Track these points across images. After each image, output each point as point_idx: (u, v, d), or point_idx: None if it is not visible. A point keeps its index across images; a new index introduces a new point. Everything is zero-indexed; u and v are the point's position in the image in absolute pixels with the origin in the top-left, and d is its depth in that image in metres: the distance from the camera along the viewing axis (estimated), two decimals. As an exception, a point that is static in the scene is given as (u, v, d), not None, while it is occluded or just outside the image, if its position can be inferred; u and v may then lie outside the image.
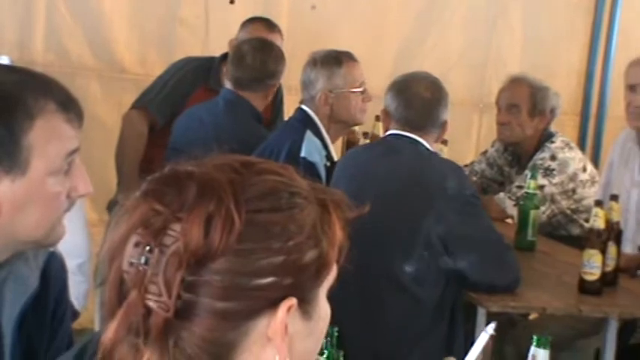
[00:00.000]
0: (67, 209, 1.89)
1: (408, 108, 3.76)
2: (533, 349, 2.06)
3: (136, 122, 4.92)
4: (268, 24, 5.09)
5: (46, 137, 1.81)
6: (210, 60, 5.03)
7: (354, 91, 4.29)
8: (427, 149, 3.73)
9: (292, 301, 1.23)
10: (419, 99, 3.77)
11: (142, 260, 1.19)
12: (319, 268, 1.26)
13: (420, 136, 3.72)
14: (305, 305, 1.25)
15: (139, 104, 4.96)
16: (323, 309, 1.29)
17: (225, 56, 4.93)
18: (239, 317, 1.21)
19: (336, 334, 1.97)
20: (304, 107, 4.32)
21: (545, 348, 2.06)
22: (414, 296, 3.54)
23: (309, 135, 4.18)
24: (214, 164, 1.25)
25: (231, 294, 1.20)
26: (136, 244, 1.20)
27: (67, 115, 1.83)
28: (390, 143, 3.80)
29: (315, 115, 4.27)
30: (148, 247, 1.19)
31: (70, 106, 1.85)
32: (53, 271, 2.02)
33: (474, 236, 3.59)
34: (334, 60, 4.31)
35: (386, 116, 3.86)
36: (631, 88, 4.53)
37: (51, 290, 2.00)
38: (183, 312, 1.19)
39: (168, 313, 1.18)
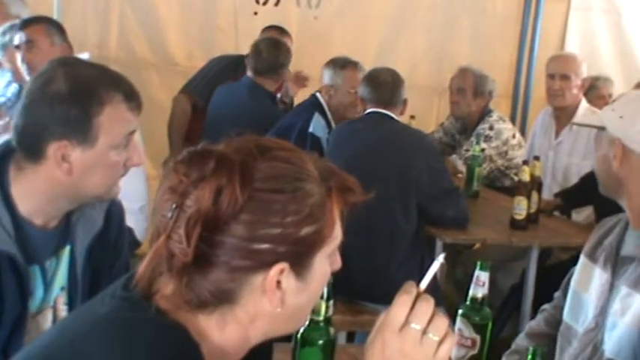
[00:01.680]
0: (123, 174, 1.89)
1: (377, 89, 3.73)
2: (477, 271, 2.02)
3: (182, 103, 4.89)
4: (281, 30, 5.07)
5: (112, 120, 1.80)
6: (238, 57, 4.98)
7: (350, 91, 4.23)
8: (398, 121, 3.70)
9: (284, 265, 1.18)
10: (384, 82, 3.74)
11: (169, 215, 1.16)
12: (314, 242, 1.21)
13: (389, 110, 3.69)
14: (299, 268, 1.20)
15: (185, 90, 4.93)
16: (318, 272, 1.23)
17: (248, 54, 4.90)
18: (241, 271, 1.18)
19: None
20: (317, 94, 4.30)
21: (486, 270, 2.02)
22: (400, 229, 3.50)
23: (316, 116, 4.17)
24: (236, 146, 1.21)
25: (236, 253, 1.16)
26: (166, 201, 1.17)
27: (129, 105, 1.83)
28: (371, 117, 3.75)
29: (324, 101, 4.25)
30: (174, 205, 1.16)
31: (132, 97, 1.84)
32: (114, 214, 2.02)
33: (442, 182, 3.58)
34: (340, 64, 4.29)
35: (362, 101, 3.83)
36: (550, 76, 4.51)
37: (112, 228, 2.01)
38: (200, 260, 1.15)
39: (187, 258, 1.15)
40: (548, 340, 2.37)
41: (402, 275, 3.39)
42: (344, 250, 1.28)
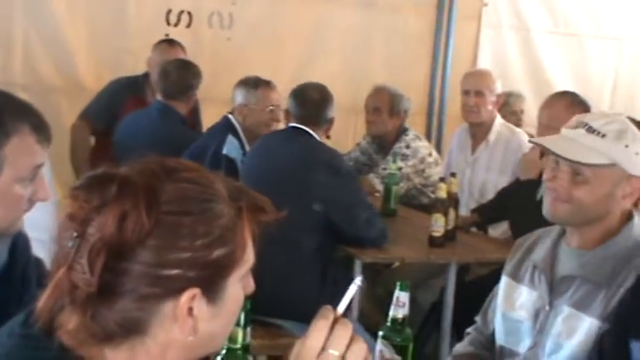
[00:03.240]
0: (27, 209, 1.81)
1: (301, 106, 3.72)
2: (397, 292, 2.02)
3: (80, 131, 4.81)
4: (170, 42, 5.01)
5: (18, 152, 1.72)
6: (136, 77, 4.92)
7: (265, 110, 4.22)
8: (315, 138, 3.68)
9: (195, 290, 1.14)
10: (310, 100, 3.73)
11: (70, 244, 1.11)
12: (226, 265, 1.17)
13: (311, 128, 3.68)
14: (211, 294, 1.16)
15: (82, 116, 4.85)
16: (231, 296, 1.20)
17: (147, 73, 4.88)
18: (150, 300, 1.13)
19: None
20: (229, 116, 4.27)
21: (406, 291, 2.01)
22: (298, 242, 3.45)
23: (230, 137, 4.13)
24: (139, 169, 1.16)
25: (143, 280, 1.11)
26: (66, 230, 1.12)
27: (37, 137, 1.74)
28: (289, 133, 3.75)
29: (236, 122, 4.22)
30: (75, 234, 1.11)
31: (41, 129, 1.76)
32: (19, 246, 1.95)
33: (349, 201, 3.55)
34: (253, 83, 4.28)
35: (287, 114, 3.82)
36: (465, 92, 4.59)
37: (18, 261, 1.93)
38: (105, 290, 1.10)
39: (91, 288, 1.09)
40: (472, 358, 2.39)
41: (300, 292, 3.37)
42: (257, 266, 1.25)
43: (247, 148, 4.16)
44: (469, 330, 2.49)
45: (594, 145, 2.06)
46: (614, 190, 2.07)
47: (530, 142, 2.66)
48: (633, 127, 2.10)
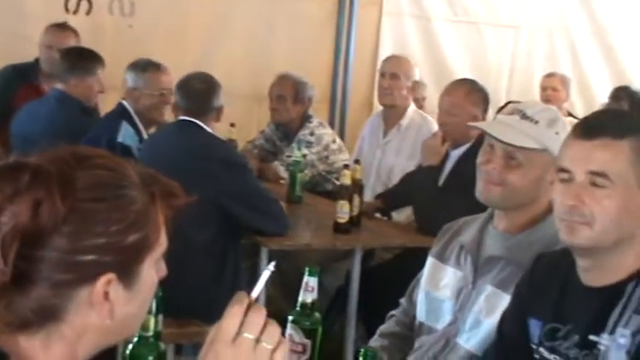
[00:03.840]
0: None
1: (187, 98, 3.69)
2: (305, 277, 2.07)
3: None
4: (60, 26, 4.88)
5: None
6: (27, 63, 4.82)
7: (153, 93, 4.15)
8: (205, 130, 3.63)
9: (111, 275, 1.15)
10: (194, 91, 3.69)
11: None
12: (141, 249, 1.19)
13: (200, 119, 3.63)
14: (126, 278, 1.18)
15: None
16: (146, 280, 1.22)
17: (38, 59, 4.78)
18: (65, 286, 1.14)
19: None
20: (123, 101, 4.20)
21: (314, 276, 2.06)
22: (188, 237, 3.37)
23: (124, 124, 4.06)
24: (50, 157, 1.16)
25: (59, 267, 1.12)
26: None
27: None
28: (178, 126, 3.72)
29: (130, 108, 4.15)
30: None
31: None
32: None
33: (246, 192, 3.55)
34: (142, 67, 4.19)
35: (175, 107, 3.80)
36: (382, 75, 4.70)
37: None
38: (19, 278, 1.11)
39: (5, 277, 1.09)
40: (401, 339, 2.46)
41: (193, 288, 3.32)
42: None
43: (144, 134, 4.11)
44: (394, 312, 2.55)
45: (528, 131, 2.19)
46: (544, 175, 2.19)
47: (469, 125, 2.75)
48: (563, 118, 2.28)
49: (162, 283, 1.28)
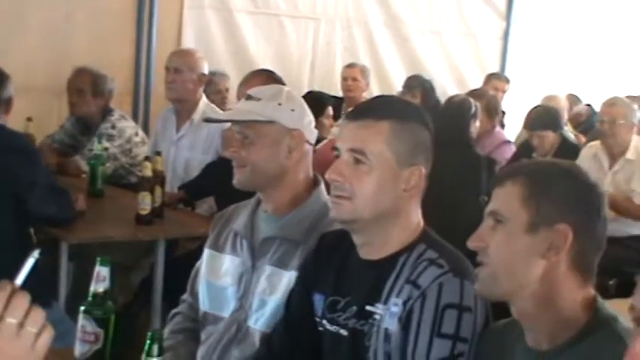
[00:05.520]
0: None
1: None
2: (97, 267, 2.08)
3: None
4: None
5: None
6: None
7: None
8: None
9: None
10: None
11: None
12: None
13: None
14: None
15: None
16: None
17: None
18: None
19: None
20: None
21: (106, 265, 2.08)
22: None
23: None
24: None
25: None
26: None
27: None
28: None
29: None
30: None
31: None
32: None
33: (36, 180, 3.40)
34: None
35: None
36: (167, 69, 4.69)
37: None
38: None
39: None
40: (195, 332, 2.47)
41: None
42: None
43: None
44: (178, 309, 2.57)
45: (251, 108, 2.31)
46: (280, 145, 2.30)
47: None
48: (289, 91, 2.40)
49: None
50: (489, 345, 1.84)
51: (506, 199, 1.69)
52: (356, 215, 1.97)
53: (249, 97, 2.35)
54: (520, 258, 1.66)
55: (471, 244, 1.72)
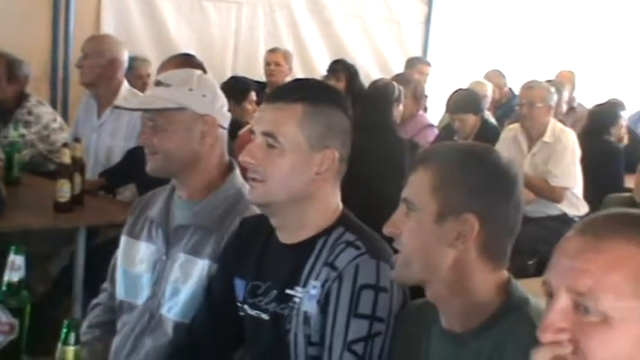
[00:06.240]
0: None
1: None
2: (11, 255, 2.03)
3: None
4: None
5: None
6: None
7: None
8: None
9: None
10: None
11: None
12: None
13: None
14: None
15: None
16: None
17: None
18: None
19: None
20: None
21: (21, 254, 2.04)
22: None
23: None
24: None
25: None
26: None
27: None
28: None
29: None
30: None
31: None
32: None
33: None
34: None
35: None
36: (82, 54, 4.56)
37: None
38: None
39: None
40: (109, 326, 2.45)
41: None
42: None
43: None
44: (98, 300, 2.54)
45: (161, 95, 2.28)
46: (192, 131, 2.29)
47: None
48: (201, 75, 2.37)
49: None
50: (407, 324, 1.86)
51: (417, 187, 1.70)
52: (269, 198, 1.97)
53: (158, 83, 2.32)
54: (430, 247, 1.67)
55: (386, 230, 1.74)
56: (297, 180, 1.95)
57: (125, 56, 4.67)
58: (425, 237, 1.67)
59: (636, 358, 1.22)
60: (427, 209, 1.67)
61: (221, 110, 2.36)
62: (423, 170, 1.70)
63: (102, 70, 4.53)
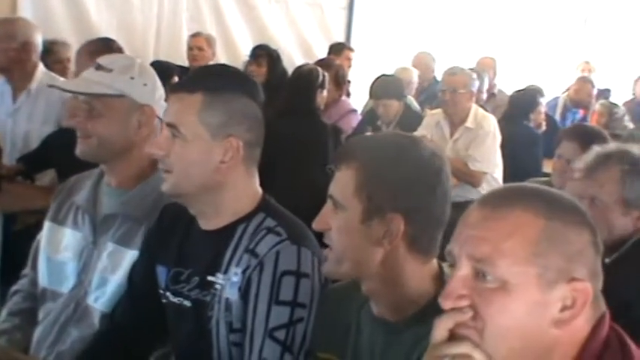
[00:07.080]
0: None
1: None
2: None
3: None
4: None
5: None
6: None
7: None
8: None
9: None
10: None
11: None
12: None
13: None
14: None
15: None
16: None
17: None
18: None
19: None
20: None
21: None
22: None
23: None
24: None
25: None
26: None
27: None
28: None
29: None
30: None
31: None
32: None
33: None
34: None
35: None
36: None
37: None
38: None
39: None
40: (34, 314, 2.39)
41: None
42: None
43: None
44: (18, 287, 2.48)
45: (101, 80, 2.23)
46: (129, 120, 2.26)
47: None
48: (142, 64, 2.33)
49: None
50: (330, 304, 1.87)
51: (341, 187, 1.68)
52: (178, 189, 1.97)
53: (99, 67, 2.27)
54: (358, 246, 1.67)
55: (315, 226, 1.73)
56: (202, 169, 1.94)
57: (39, 39, 4.54)
58: (353, 236, 1.66)
59: (532, 323, 1.26)
60: (353, 209, 1.66)
61: (160, 101, 2.32)
62: (346, 168, 1.69)
63: (15, 54, 4.40)
